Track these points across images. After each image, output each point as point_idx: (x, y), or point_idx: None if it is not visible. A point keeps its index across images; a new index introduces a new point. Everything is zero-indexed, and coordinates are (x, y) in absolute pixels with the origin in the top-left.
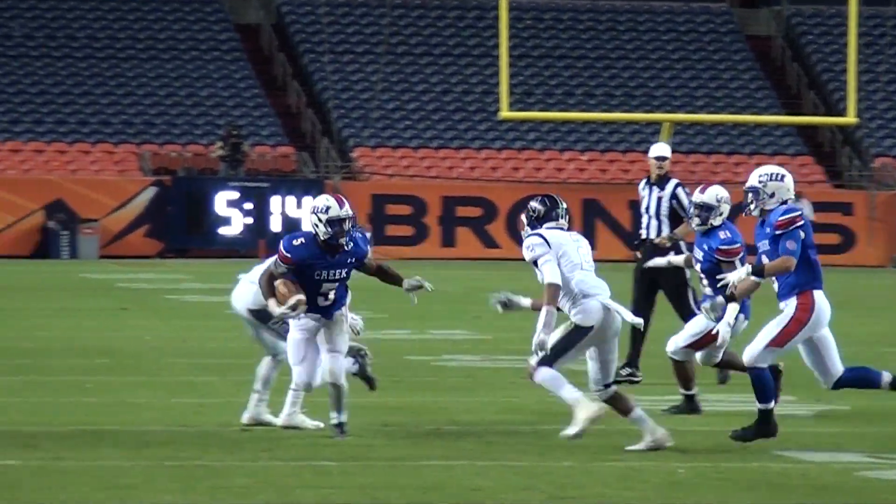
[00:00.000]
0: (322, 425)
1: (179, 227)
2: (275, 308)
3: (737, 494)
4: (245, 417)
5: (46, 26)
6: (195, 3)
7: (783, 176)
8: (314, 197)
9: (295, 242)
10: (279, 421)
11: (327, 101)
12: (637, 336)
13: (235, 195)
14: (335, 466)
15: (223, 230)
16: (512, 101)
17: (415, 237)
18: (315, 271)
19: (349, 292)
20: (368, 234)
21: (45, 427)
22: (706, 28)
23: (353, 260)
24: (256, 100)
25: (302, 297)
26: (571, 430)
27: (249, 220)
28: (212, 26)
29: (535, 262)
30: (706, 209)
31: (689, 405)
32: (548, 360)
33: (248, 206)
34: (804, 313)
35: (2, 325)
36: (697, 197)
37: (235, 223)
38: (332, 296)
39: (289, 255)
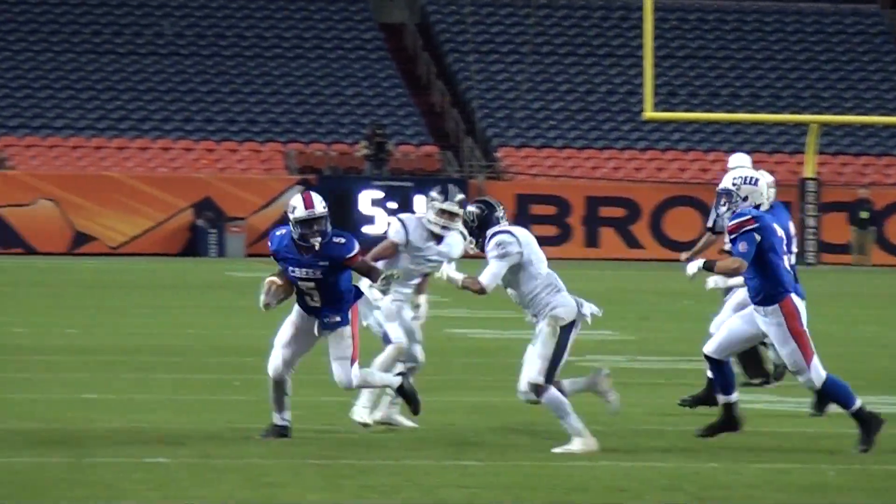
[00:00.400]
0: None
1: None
2: (261, 297)
3: (889, 497)
4: (378, 416)
5: (196, 25)
6: (341, 2)
7: (757, 180)
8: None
9: (277, 233)
10: (405, 421)
11: (471, 101)
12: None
13: (380, 194)
14: (480, 466)
15: (367, 229)
16: (656, 102)
17: (559, 237)
18: (289, 267)
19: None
20: (345, 239)
21: (193, 425)
22: (855, 29)
23: (327, 263)
24: (401, 99)
25: (274, 278)
26: (561, 449)
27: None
28: (357, 26)
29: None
30: (727, 195)
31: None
32: (549, 375)
33: (392, 204)
34: (793, 319)
35: (152, 322)
36: (723, 185)
37: (379, 222)
38: (316, 298)
39: (270, 244)
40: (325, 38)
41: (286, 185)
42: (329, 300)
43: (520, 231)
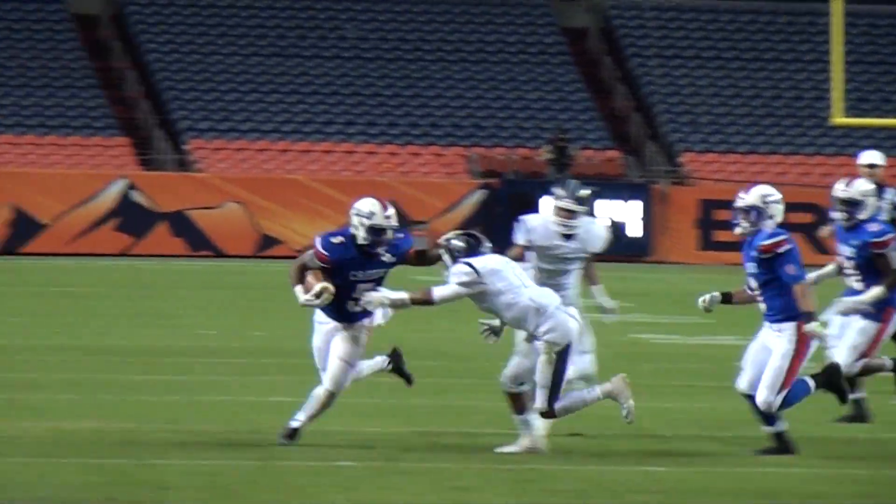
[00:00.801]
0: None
1: (507, 229)
2: (300, 295)
3: None
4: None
5: (379, 29)
6: (524, 6)
7: (780, 198)
8: (641, 200)
9: (334, 241)
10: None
11: (654, 106)
12: None
13: None
14: (665, 472)
15: None
16: (845, 107)
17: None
18: (350, 271)
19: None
20: (402, 234)
21: (380, 428)
22: None
23: (395, 260)
24: (583, 103)
25: (328, 285)
26: (509, 449)
27: None
28: (539, 30)
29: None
30: (852, 205)
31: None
32: (551, 401)
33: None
34: (804, 347)
35: None
36: (842, 193)
37: None
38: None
39: (325, 254)
40: (508, 43)
41: (469, 189)
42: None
43: (489, 261)
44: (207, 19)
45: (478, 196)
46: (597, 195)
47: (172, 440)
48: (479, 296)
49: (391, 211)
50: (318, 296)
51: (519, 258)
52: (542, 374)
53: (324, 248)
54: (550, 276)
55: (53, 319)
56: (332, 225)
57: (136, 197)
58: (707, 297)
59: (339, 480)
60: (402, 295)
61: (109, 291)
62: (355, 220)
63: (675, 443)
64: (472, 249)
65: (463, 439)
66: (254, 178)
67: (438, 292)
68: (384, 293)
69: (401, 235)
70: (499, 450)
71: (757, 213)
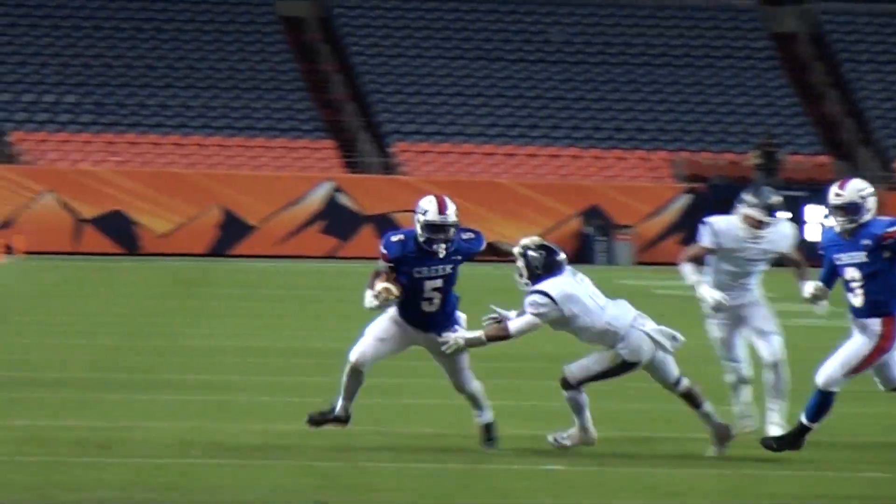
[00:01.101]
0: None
1: None
2: (367, 299)
3: None
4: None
5: (584, 33)
6: (731, 11)
7: (873, 191)
8: None
9: (393, 239)
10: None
11: (868, 111)
12: None
13: None
14: (885, 478)
15: None
16: None
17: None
18: (413, 268)
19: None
20: (474, 234)
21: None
22: None
23: (460, 257)
24: (793, 108)
25: (389, 285)
26: (566, 441)
27: None
28: (747, 35)
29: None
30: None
31: None
32: (579, 381)
33: (783, 214)
34: (887, 342)
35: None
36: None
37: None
38: (436, 301)
39: (385, 252)
40: (715, 48)
41: (674, 194)
42: (447, 303)
43: (564, 285)
44: (413, 22)
45: (683, 200)
46: (807, 200)
47: (382, 443)
48: (554, 322)
49: (451, 209)
50: (377, 296)
51: (699, 259)
52: (598, 361)
53: (384, 246)
54: (734, 278)
55: (259, 321)
56: (536, 228)
57: (342, 199)
58: (813, 285)
59: (548, 484)
60: (478, 334)
61: (317, 294)
62: (415, 217)
63: (888, 452)
64: (548, 262)
65: (673, 445)
66: (458, 181)
67: (514, 326)
68: (460, 333)
69: (472, 236)
70: (708, 453)
71: (855, 207)
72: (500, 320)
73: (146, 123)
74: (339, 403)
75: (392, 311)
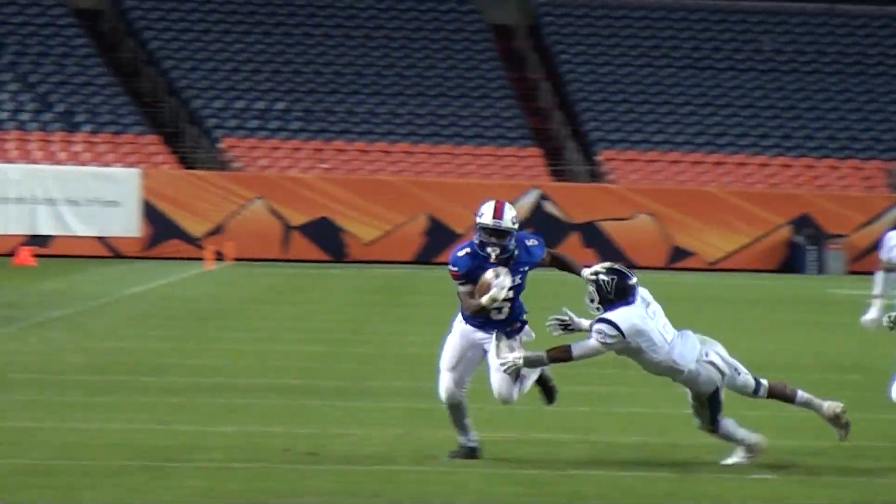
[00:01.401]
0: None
1: None
2: (480, 301)
3: None
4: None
5: (794, 41)
6: None
7: None
8: None
9: (459, 253)
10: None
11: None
12: None
13: None
14: None
15: None
16: None
17: None
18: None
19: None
20: (537, 241)
21: (799, 442)
22: None
23: (527, 267)
24: None
25: (492, 293)
26: (744, 461)
27: None
28: None
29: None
30: None
31: None
32: (711, 422)
33: None
34: None
35: (746, 337)
36: None
37: None
38: (505, 310)
39: (455, 269)
40: None
41: (889, 203)
42: (517, 314)
43: (635, 319)
44: (621, 30)
45: None
46: None
47: (589, 451)
48: (620, 351)
49: (508, 216)
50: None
51: (888, 271)
52: (701, 404)
53: (452, 263)
54: None
55: None
56: (745, 237)
57: (549, 207)
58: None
59: (759, 492)
60: (540, 353)
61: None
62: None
63: None
64: (620, 287)
65: (883, 454)
66: (666, 190)
67: (577, 350)
68: (518, 353)
69: (535, 242)
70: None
71: None
72: (567, 325)
73: (354, 131)
74: (459, 440)
75: (457, 323)
